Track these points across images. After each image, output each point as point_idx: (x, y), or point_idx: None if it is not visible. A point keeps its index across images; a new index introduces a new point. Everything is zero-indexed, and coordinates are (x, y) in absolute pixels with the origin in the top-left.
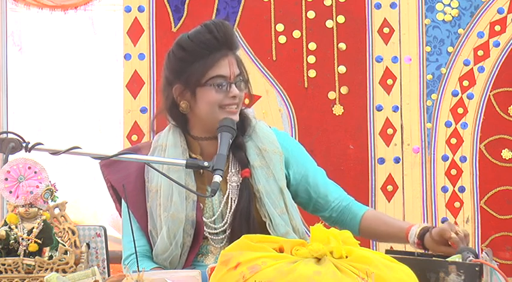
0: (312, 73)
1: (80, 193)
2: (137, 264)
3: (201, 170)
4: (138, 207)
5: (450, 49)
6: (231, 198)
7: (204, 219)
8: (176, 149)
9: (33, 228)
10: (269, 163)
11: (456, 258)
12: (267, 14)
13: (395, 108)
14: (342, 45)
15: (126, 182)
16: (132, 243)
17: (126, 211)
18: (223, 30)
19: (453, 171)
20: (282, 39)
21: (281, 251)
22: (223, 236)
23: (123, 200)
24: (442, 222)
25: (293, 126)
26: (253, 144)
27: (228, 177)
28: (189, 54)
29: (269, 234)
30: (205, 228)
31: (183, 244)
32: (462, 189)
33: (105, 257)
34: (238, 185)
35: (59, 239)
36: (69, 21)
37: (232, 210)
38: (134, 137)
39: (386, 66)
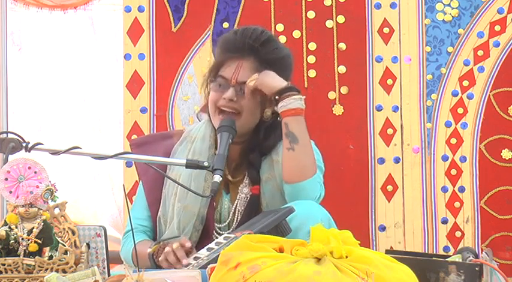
0: (312, 73)
1: (80, 193)
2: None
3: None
4: (153, 192)
5: (450, 49)
6: (238, 209)
7: (214, 223)
8: (204, 143)
9: (33, 228)
10: (277, 175)
11: (456, 258)
12: (267, 14)
13: (395, 108)
14: (342, 45)
15: (149, 166)
16: (135, 220)
17: (140, 189)
18: (248, 33)
19: (453, 171)
20: (282, 39)
21: (281, 251)
22: None
23: (140, 181)
24: (442, 222)
25: None
26: (269, 158)
27: (240, 188)
28: (216, 50)
29: None
30: (215, 228)
31: (190, 239)
32: (462, 189)
33: (105, 257)
34: (247, 197)
35: (59, 239)
36: (68, 21)
37: (237, 223)
38: (134, 137)
39: (386, 66)
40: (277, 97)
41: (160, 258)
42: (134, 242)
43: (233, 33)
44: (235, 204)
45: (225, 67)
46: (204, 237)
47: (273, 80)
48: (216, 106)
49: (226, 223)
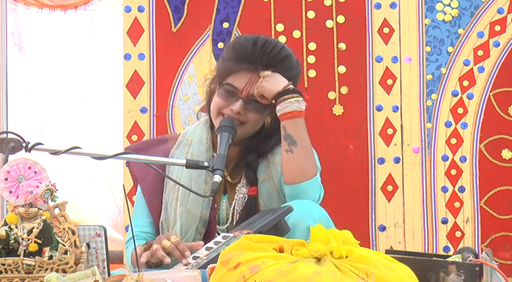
0: (312, 73)
1: (80, 193)
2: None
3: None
4: (154, 198)
5: (450, 49)
6: (236, 210)
7: (216, 225)
8: (201, 145)
9: (33, 228)
10: (274, 176)
11: (456, 258)
12: (267, 14)
13: (395, 108)
14: (342, 45)
15: (147, 172)
16: (136, 228)
17: (139, 196)
18: (268, 49)
19: (453, 171)
20: (282, 39)
21: (281, 251)
22: None
23: (138, 186)
24: (442, 222)
25: None
26: (266, 159)
27: (237, 188)
28: (229, 53)
29: None
30: (217, 230)
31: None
32: (462, 189)
33: (105, 257)
34: (245, 197)
35: (59, 239)
36: (68, 21)
37: (236, 224)
38: (134, 137)
39: (386, 66)
40: (273, 101)
41: (144, 254)
42: (135, 246)
43: (252, 44)
44: (233, 205)
45: (237, 76)
46: (206, 239)
47: (270, 85)
48: (219, 112)
49: (227, 225)
